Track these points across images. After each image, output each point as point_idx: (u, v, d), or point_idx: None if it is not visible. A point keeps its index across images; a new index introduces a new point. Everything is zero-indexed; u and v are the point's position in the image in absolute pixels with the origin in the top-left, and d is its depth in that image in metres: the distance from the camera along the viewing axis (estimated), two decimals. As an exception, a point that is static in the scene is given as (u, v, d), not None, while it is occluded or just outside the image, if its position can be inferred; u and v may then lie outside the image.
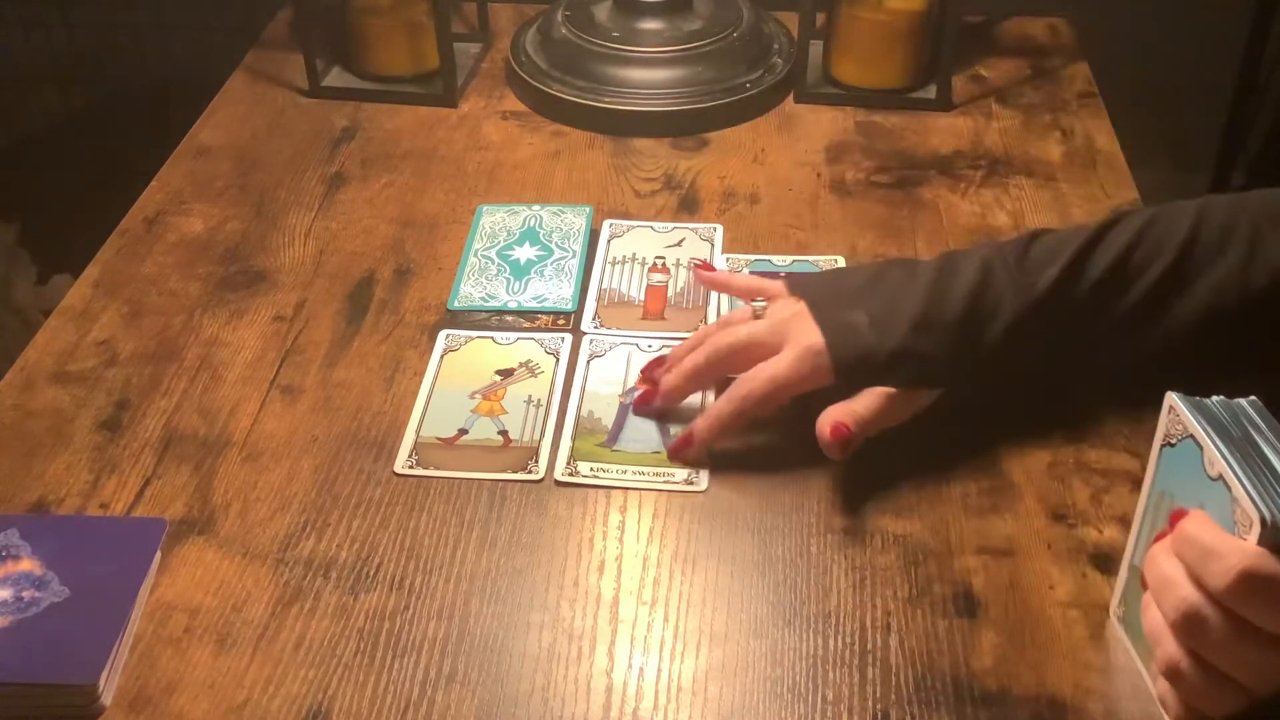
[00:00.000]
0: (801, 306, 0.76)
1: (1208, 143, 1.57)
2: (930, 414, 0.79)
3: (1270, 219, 0.73)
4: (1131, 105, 1.19)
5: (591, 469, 0.76)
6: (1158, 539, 0.60)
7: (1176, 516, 0.58)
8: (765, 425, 0.79)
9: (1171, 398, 0.59)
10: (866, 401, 0.75)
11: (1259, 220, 0.73)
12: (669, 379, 0.79)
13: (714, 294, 0.89)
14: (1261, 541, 0.53)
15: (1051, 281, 0.72)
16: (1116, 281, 0.73)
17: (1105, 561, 0.70)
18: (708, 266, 0.89)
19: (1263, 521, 0.53)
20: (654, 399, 0.80)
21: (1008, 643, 0.66)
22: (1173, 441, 0.59)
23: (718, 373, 0.78)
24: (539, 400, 0.81)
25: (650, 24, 1.14)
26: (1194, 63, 1.54)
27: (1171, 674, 0.58)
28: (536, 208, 0.99)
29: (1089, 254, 0.73)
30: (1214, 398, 0.59)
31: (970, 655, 0.65)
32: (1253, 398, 0.59)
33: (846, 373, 0.75)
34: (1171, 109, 1.54)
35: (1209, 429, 0.57)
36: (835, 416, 0.74)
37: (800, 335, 0.75)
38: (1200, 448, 0.57)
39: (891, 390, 0.75)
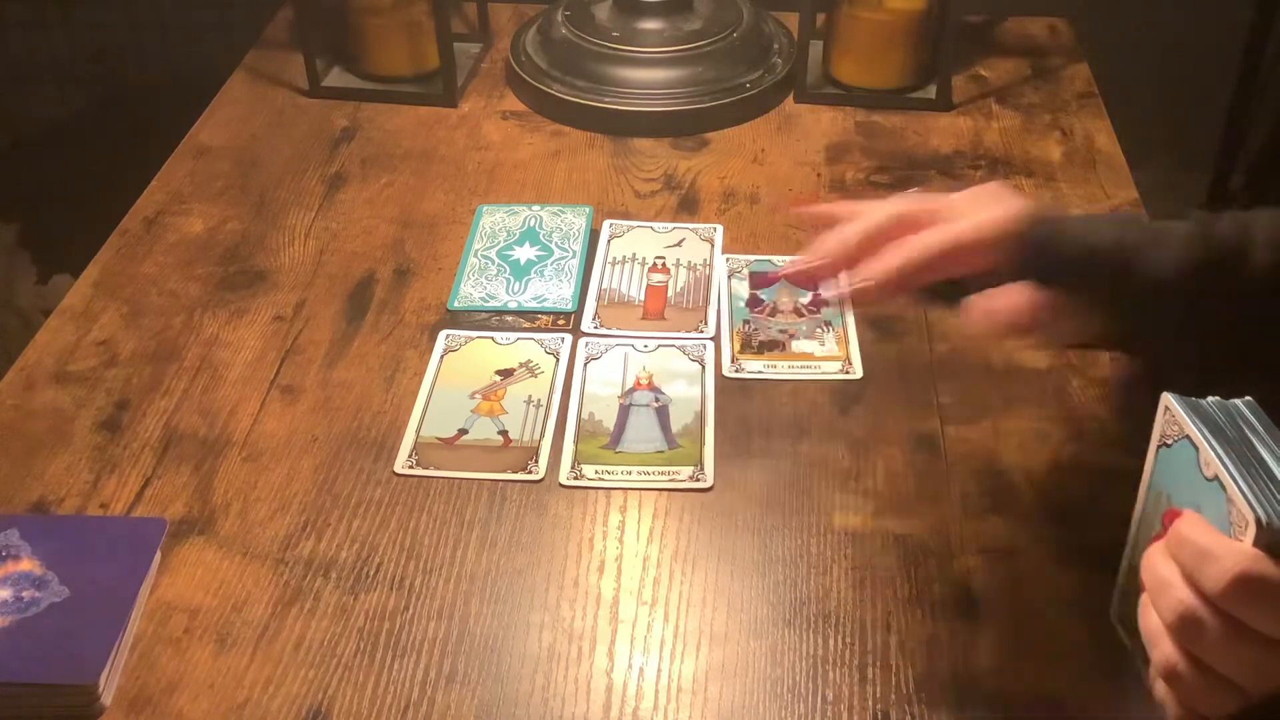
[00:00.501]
0: (1006, 190, 0.67)
1: (1208, 143, 1.57)
2: (929, 414, 0.79)
3: None
4: (1131, 105, 1.19)
5: (596, 471, 0.76)
6: (1154, 540, 0.60)
7: (1170, 517, 0.58)
8: (766, 426, 0.79)
9: (1167, 398, 0.59)
10: (1020, 297, 0.64)
11: None
12: (884, 270, 0.66)
13: (714, 293, 0.89)
14: (1257, 543, 0.53)
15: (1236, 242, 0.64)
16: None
17: (1105, 561, 0.70)
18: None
19: (1258, 523, 0.52)
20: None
21: (1008, 643, 0.66)
22: (1169, 442, 0.59)
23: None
24: (539, 400, 0.81)
25: (650, 24, 1.14)
26: (1194, 63, 1.54)
27: (1169, 676, 0.58)
28: (536, 208, 0.99)
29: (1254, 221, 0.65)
30: (1209, 398, 0.59)
31: (970, 655, 0.65)
32: (1248, 398, 0.59)
33: (1037, 249, 0.65)
34: (1171, 109, 1.54)
35: (1205, 430, 0.57)
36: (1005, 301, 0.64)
37: (997, 203, 0.67)
38: (1196, 448, 0.57)
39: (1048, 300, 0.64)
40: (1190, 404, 0.58)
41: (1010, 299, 0.64)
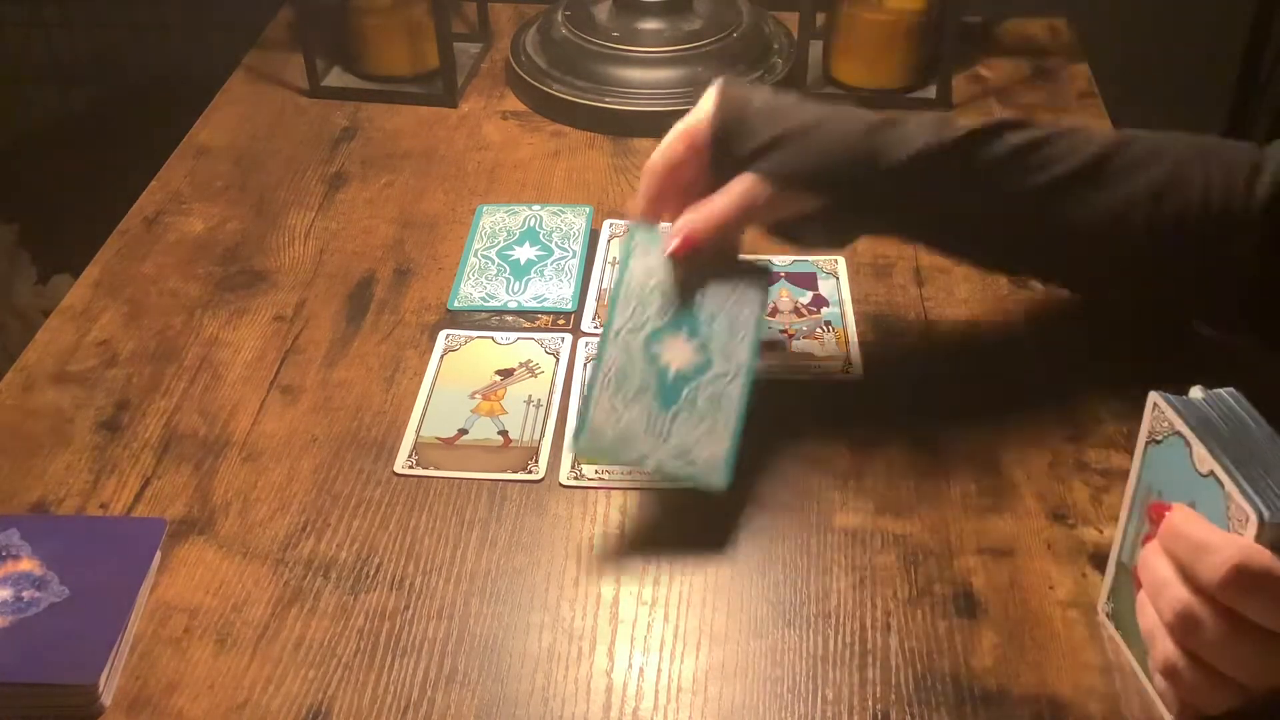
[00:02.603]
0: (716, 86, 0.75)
1: (1208, 143, 1.57)
2: (929, 414, 0.79)
3: (1190, 157, 0.74)
4: (1131, 105, 1.19)
5: (596, 471, 0.76)
6: (1147, 539, 0.60)
7: (1157, 511, 0.58)
8: (766, 426, 0.79)
9: (1154, 396, 0.59)
10: (724, 199, 0.72)
11: (1182, 157, 0.74)
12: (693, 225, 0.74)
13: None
14: (1259, 538, 0.53)
15: (966, 132, 0.72)
16: (1032, 156, 0.73)
17: (1105, 562, 0.70)
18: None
19: (1260, 519, 0.53)
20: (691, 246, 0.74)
21: (1008, 643, 0.66)
22: (1158, 438, 0.59)
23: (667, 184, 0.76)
24: (539, 400, 0.81)
25: (650, 24, 1.14)
26: (1194, 63, 1.53)
27: (1169, 673, 0.58)
28: (536, 208, 0.99)
29: (1012, 128, 0.73)
30: (1195, 391, 0.59)
31: (970, 655, 0.65)
32: (1230, 389, 0.59)
33: (721, 138, 0.73)
34: (1171, 109, 1.54)
35: (1197, 426, 0.57)
36: (683, 224, 0.73)
37: (692, 111, 0.75)
38: (1189, 445, 0.57)
39: (756, 190, 0.72)
40: (1181, 401, 0.58)
41: (712, 206, 0.72)
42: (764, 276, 0.76)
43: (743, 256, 0.78)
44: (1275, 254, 0.73)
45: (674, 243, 0.73)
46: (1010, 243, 0.77)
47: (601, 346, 0.73)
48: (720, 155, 0.73)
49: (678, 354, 0.73)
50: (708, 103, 0.74)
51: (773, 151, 0.72)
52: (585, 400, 0.71)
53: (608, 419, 0.71)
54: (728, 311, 0.74)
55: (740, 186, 0.72)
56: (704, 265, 0.74)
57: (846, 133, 0.73)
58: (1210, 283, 0.75)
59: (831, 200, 0.74)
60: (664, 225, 0.75)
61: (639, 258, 0.74)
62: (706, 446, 0.71)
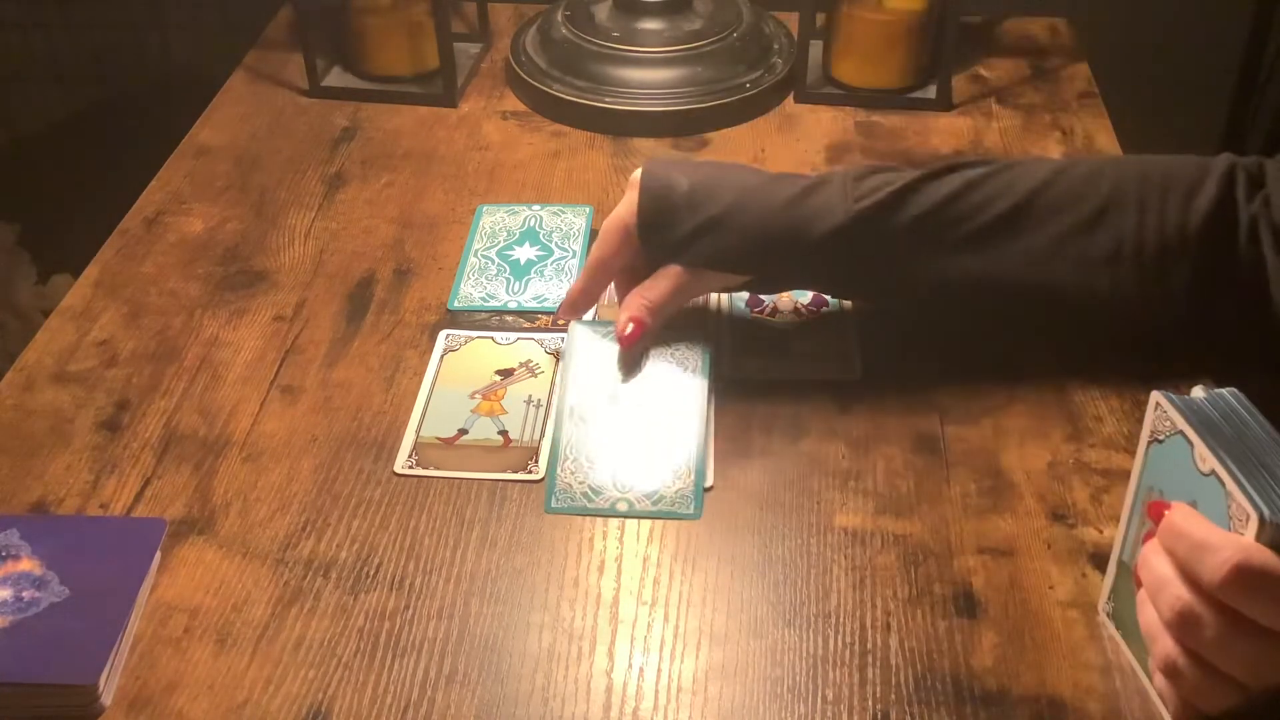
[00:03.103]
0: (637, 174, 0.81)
1: (1208, 143, 1.57)
2: (929, 414, 0.79)
3: (1131, 178, 0.76)
4: (1131, 105, 1.19)
5: (592, 469, 0.76)
6: (1146, 537, 0.60)
7: (1156, 510, 0.58)
8: (766, 426, 0.79)
9: (1157, 396, 0.59)
10: (661, 286, 0.80)
11: (1121, 181, 0.76)
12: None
13: (714, 294, 0.89)
14: (1259, 538, 0.53)
15: (881, 198, 0.76)
16: (950, 210, 0.76)
17: (1105, 562, 0.70)
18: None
19: (1261, 518, 0.53)
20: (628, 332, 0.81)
21: (1008, 643, 0.66)
22: (1160, 438, 0.59)
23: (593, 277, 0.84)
24: (539, 400, 0.81)
25: (650, 24, 1.14)
26: (1194, 63, 1.53)
27: (1169, 672, 0.58)
28: (536, 208, 0.99)
29: (926, 183, 0.77)
30: (1197, 390, 0.59)
31: (970, 655, 0.65)
32: (1233, 389, 0.59)
33: (646, 233, 0.79)
34: (1171, 109, 1.54)
35: (1199, 425, 0.57)
36: (629, 313, 0.80)
37: (622, 201, 0.81)
38: (1191, 444, 0.57)
39: (687, 277, 0.80)
40: (1183, 401, 0.58)
41: (625, 313, 0.80)
42: (701, 341, 0.83)
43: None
44: (1207, 288, 0.74)
45: (626, 331, 0.80)
46: (936, 297, 0.79)
47: (557, 427, 0.78)
48: (648, 246, 0.80)
49: (633, 419, 0.78)
50: (633, 194, 0.80)
51: (696, 242, 0.78)
52: (550, 466, 0.76)
53: (573, 479, 0.75)
54: (674, 379, 0.80)
55: (673, 272, 0.80)
56: (646, 344, 0.82)
57: (765, 211, 0.78)
58: (1152, 317, 0.77)
59: (758, 275, 0.81)
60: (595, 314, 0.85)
61: (582, 348, 0.83)
62: (673, 485, 0.74)
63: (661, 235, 0.79)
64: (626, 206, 0.81)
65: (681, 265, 0.79)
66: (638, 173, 0.81)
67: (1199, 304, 0.76)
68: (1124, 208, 0.76)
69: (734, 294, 0.89)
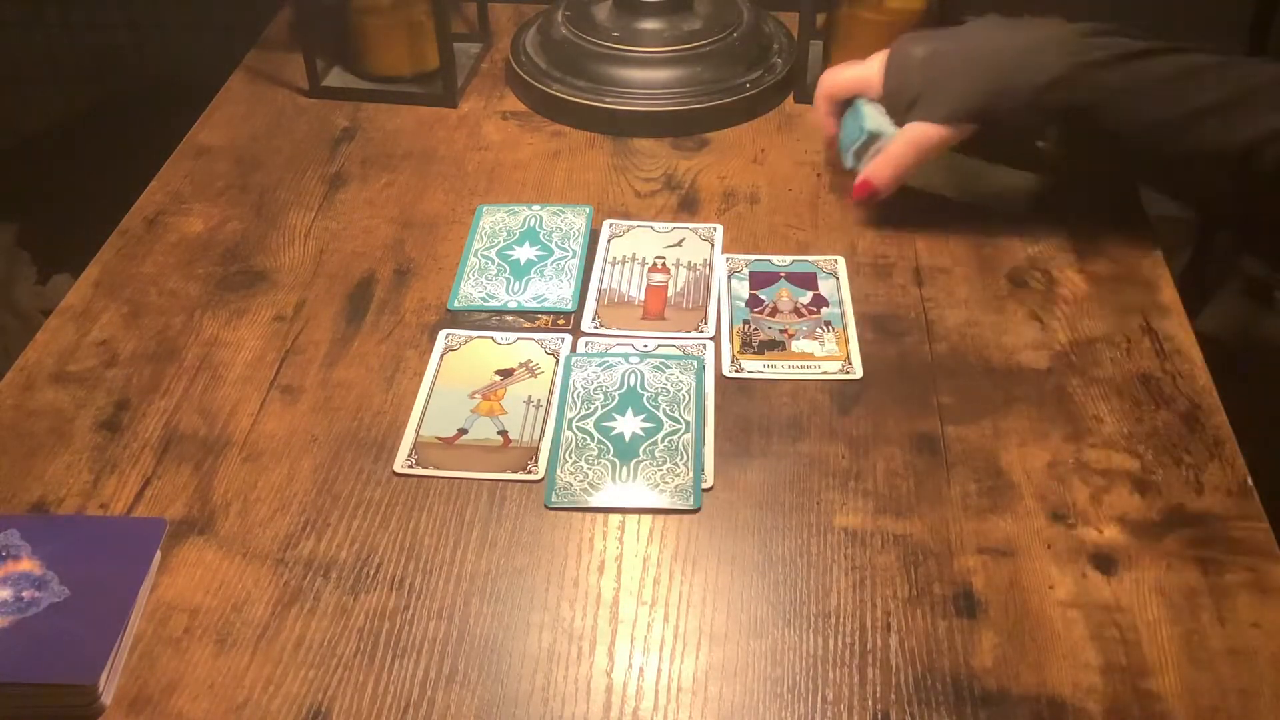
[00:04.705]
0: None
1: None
2: (929, 414, 0.79)
3: None
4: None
5: (591, 469, 0.76)
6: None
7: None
8: (765, 426, 0.79)
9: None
10: (899, 148, 0.91)
11: None
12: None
13: (714, 294, 0.89)
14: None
15: (1100, 57, 0.86)
16: (1161, 92, 0.86)
17: (1105, 561, 0.70)
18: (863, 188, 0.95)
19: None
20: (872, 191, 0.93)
21: (1008, 643, 0.66)
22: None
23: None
24: (539, 400, 0.81)
25: (650, 24, 1.14)
26: (1194, 63, 1.53)
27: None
28: (536, 208, 0.99)
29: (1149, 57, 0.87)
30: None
31: (970, 655, 0.65)
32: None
33: (889, 96, 0.91)
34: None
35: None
36: (866, 173, 0.92)
37: (868, 62, 0.94)
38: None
39: (924, 134, 0.90)
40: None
41: (888, 155, 0.91)
42: (701, 341, 0.84)
43: (675, 340, 0.85)
44: None
45: (859, 188, 0.92)
46: (1142, 147, 0.87)
47: (556, 431, 0.78)
48: (889, 107, 0.92)
49: (629, 426, 0.79)
50: (877, 63, 0.92)
51: (931, 98, 0.88)
52: (550, 467, 0.76)
53: (573, 476, 0.75)
54: (666, 391, 0.80)
55: (911, 134, 0.90)
56: (646, 345, 0.85)
57: (993, 66, 0.87)
58: None
59: (990, 126, 0.89)
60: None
61: (583, 350, 0.85)
62: (672, 480, 0.75)
63: (900, 98, 0.90)
64: (869, 68, 0.93)
65: (920, 124, 0.89)
66: (889, 50, 0.93)
67: None
68: None
69: (734, 294, 0.89)
